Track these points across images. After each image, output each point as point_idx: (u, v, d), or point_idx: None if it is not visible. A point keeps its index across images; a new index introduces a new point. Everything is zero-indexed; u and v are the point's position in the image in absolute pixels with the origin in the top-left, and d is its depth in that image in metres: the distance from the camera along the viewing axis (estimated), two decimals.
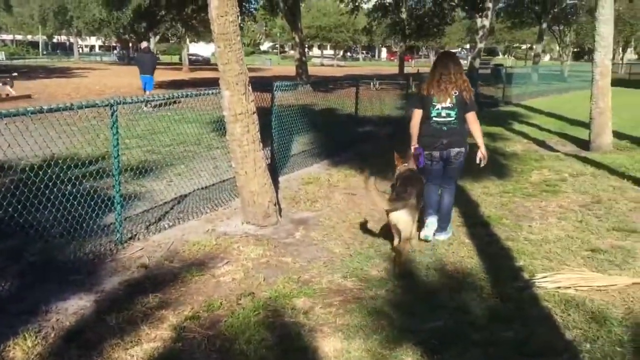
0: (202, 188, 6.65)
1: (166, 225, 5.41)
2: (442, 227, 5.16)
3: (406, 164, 5.19)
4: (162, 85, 26.39)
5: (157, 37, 60.74)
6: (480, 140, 4.97)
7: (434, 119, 4.92)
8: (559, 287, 4.02)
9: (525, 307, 3.78)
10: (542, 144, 10.64)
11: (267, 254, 4.74)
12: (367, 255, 4.75)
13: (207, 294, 3.96)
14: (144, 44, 18.52)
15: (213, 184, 6.84)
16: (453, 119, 4.89)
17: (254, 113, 5.21)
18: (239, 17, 4.94)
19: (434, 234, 5.08)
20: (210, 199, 6.30)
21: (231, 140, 5.21)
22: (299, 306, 3.78)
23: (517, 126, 13.04)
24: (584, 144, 10.12)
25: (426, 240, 5.00)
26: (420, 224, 5.05)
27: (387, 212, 4.58)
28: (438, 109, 4.90)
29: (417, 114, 5.04)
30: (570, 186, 7.17)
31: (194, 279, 4.19)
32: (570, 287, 4.02)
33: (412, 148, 5.09)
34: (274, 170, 7.50)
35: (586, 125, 10.30)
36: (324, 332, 3.45)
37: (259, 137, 5.34)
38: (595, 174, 7.84)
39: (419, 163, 5.07)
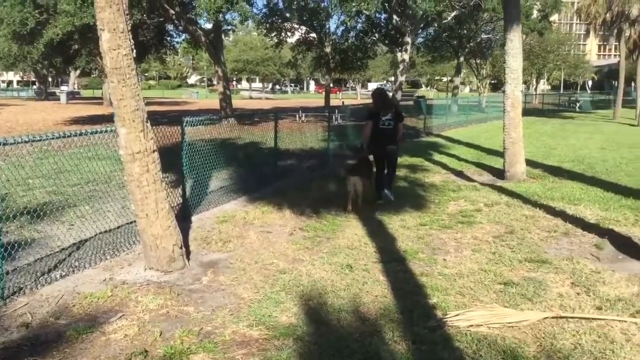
0: (105, 231, 6.19)
1: (58, 276, 4.92)
2: (389, 188, 8.16)
3: (361, 154, 8.19)
4: (79, 120, 25.36)
5: (78, 71, 59.00)
6: (400, 137, 8.33)
7: (381, 126, 7.97)
8: (471, 325, 3.90)
9: (437, 350, 3.61)
10: (460, 174, 10.81)
11: (168, 304, 4.38)
12: (277, 299, 4.47)
13: (93, 354, 3.55)
14: None
15: (118, 227, 6.39)
16: (392, 126, 8.08)
17: (154, 151, 4.88)
18: (134, 51, 4.64)
19: (388, 194, 8.03)
20: (112, 244, 5.85)
21: (129, 181, 4.85)
22: None
23: (436, 157, 13.25)
24: (499, 173, 10.36)
25: (380, 199, 8.00)
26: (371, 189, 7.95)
27: (348, 177, 7.75)
28: (383, 119, 7.99)
29: (370, 124, 8.00)
30: (485, 216, 7.22)
31: (81, 338, 3.76)
32: (482, 325, 3.90)
33: (366, 146, 8.08)
34: (186, 209, 7.15)
35: (502, 155, 10.56)
36: None
37: (161, 176, 4.99)
38: (509, 204, 7.97)
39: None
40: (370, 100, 9.09)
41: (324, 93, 37.11)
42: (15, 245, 5.16)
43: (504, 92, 10.41)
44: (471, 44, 33.90)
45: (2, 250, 4.38)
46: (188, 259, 5.40)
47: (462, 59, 35.28)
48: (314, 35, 30.90)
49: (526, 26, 28.32)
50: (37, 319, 4.07)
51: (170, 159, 6.86)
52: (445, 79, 77.41)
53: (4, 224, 4.51)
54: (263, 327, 3.97)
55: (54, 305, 4.33)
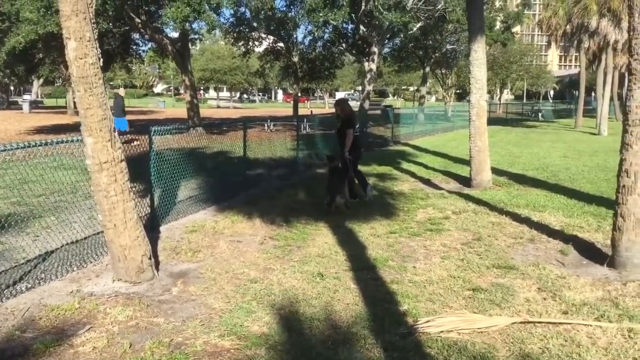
0: (71, 242, 6.06)
1: (24, 288, 4.81)
2: (368, 188, 9.05)
3: (334, 162, 8.66)
4: (42, 130, 24.79)
5: (41, 80, 57.77)
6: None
7: (355, 134, 8.75)
8: (441, 332, 3.95)
9: (409, 356, 3.65)
10: (427, 182, 10.95)
11: (137, 315, 4.31)
12: (249, 309, 4.46)
13: None
14: (121, 90, 19.74)
15: (84, 238, 6.27)
16: (359, 133, 9.14)
17: (122, 161, 4.82)
18: (101, 60, 4.59)
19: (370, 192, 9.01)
20: (79, 255, 5.74)
21: (97, 191, 4.78)
22: None
23: (405, 165, 13.41)
24: (466, 181, 10.53)
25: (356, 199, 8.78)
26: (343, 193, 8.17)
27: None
28: (356, 127, 8.89)
29: (352, 132, 8.61)
30: (453, 224, 7.33)
31: (48, 351, 3.68)
32: (452, 331, 3.96)
33: (347, 154, 8.59)
34: (155, 219, 7.06)
35: (468, 163, 10.74)
36: None
37: (129, 186, 4.93)
38: (476, 211, 8.11)
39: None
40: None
41: (292, 102, 37.20)
42: None
43: (469, 101, 10.61)
44: (436, 55, 34.49)
45: None
46: (157, 269, 5.33)
47: (428, 69, 35.85)
48: (281, 44, 30.94)
49: (490, 37, 28.97)
50: (3, 332, 3.96)
51: (138, 168, 6.78)
52: (411, 89, 78.43)
53: None
54: (235, 337, 3.95)
55: (19, 318, 4.22)
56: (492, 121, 10.51)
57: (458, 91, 59.09)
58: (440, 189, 10.19)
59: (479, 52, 10.11)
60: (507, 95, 72.22)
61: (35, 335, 3.93)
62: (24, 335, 3.94)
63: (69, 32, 4.43)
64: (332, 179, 8.44)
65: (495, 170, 11.15)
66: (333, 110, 10.45)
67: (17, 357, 3.61)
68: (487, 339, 3.90)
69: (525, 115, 42.70)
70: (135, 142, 8.03)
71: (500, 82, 56.53)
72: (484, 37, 10.39)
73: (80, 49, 4.40)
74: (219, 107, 63.72)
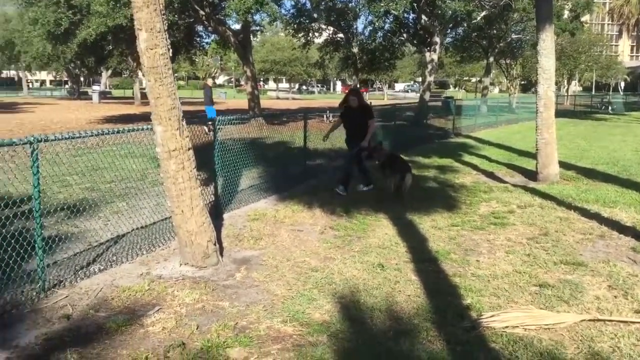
0: (141, 227, 6.30)
1: (96, 270, 5.04)
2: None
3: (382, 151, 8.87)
4: (111, 119, 25.80)
5: (109, 71, 60.07)
6: None
7: None
8: (506, 327, 3.87)
9: (472, 350, 3.59)
10: (491, 175, 10.70)
11: (204, 299, 4.44)
12: (310, 296, 4.50)
13: (132, 346, 3.63)
14: (209, 80, 22.05)
15: (153, 223, 6.50)
16: None
17: (189, 149, 4.95)
18: (170, 50, 4.73)
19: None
20: (148, 239, 5.96)
21: (165, 178, 4.93)
22: (233, 357, 3.50)
23: (466, 158, 13.14)
24: (532, 175, 10.22)
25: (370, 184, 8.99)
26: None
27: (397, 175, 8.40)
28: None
29: None
30: (519, 218, 7.14)
31: (120, 330, 3.85)
32: (518, 327, 3.87)
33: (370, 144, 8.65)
34: (218, 206, 7.23)
35: (534, 156, 10.42)
36: None
37: (196, 173, 5.07)
38: (542, 205, 7.86)
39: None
40: (395, 101, 9.62)
41: None
42: (55, 239, 5.30)
43: (536, 92, 10.27)
44: (501, 44, 33.50)
45: (42, 244, 4.50)
46: (221, 255, 5.47)
47: (491, 59, 34.88)
48: (341, 35, 30.84)
49: (557, 27, 27.82)
50: (78, 311, 4.17)
51: (201, 157, 6.95)
52: (473, 80, 76.58)
53: (43, 219, 4.63)
54: (297, 324, 4.00)
55: (93, 298, 4.43)
56: (559, 113, 10.17)
57: (523, 82, 57.23)
58: (505, 182, 9.93)
59: (547, 42, 9.76)
60: (575, 87, 69.42)
61: (108, 315, 4.12)
62: (97, 314, 4.13)
63: (140, 23, 4.58)
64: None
65: (563, 164, 10.75)
66: (391, 101, 10.31)
67: (92, 335, 3.79)
68: (554, 335, 3.79)
69: (594, 108, 40.96)
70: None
71: (568, 73, 54.31)
72: (552, 25, 10.00)
73: (151, 40, 4.54)
74: (278, 98, 64.39)
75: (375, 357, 3.50)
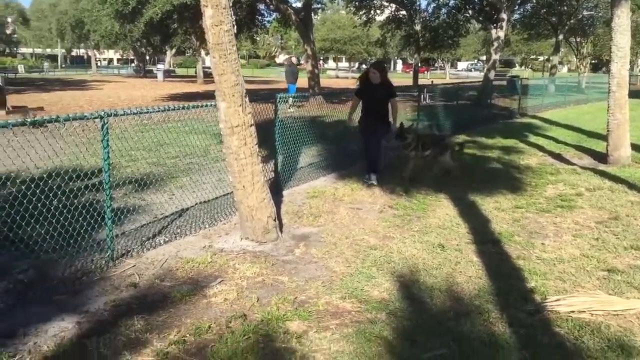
0: (203, 202, 6.46)
1: (162, 241, 5.21)
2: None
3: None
4: (175, 97, 26.44)
5: (174, 50, 61.38)
6: None
7: None
8: (572, 311, 3.74)
9: (536, 334, 3.50)
10: (558, 157, 10.31)
11: (264, 272, 4.52)
12: (369, 274, 4.50)
13: (196, 315, 3.74)
14: (293, 58, 23.22)
15: (215, 198, 6.65)
16: None
17: (251, 125, 5.01)
18: (235, 27, 4.76)
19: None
20: (210, 213, 6.11)
21: (228, 154, 5.02)
22: (292, 330, 3.55)
23: (532, 138, 12.70)
24: (602, 157, 9.78)
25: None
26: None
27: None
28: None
29: None
30: (587, 201, 6.86)
31: (184, 300, 3.97)
32: (584, 312, 3.74)
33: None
34: (278, 183, 7.30)
35: (604, 138, 9.96)
36: (317, 359, 3.21)
37: (257, 150, 5.12)
38: (613, 189, 7.51)
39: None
40: (458, 80, 9.14)
41: (411, 73, 36.48)
42: (123, 211, 5.51)
43: (608, 71, 9.76)
44: (572, 21, 32.02)
45: (112, 215, 4.68)
46: (281, 231, 5.53)
47: (561, 37, 33.37)
48: (403, 12, 30.34)
49: (634, 2, 26.30)
50: (144, 280, 4.33)
51: (262, 135, 7.02)
52: (541, 58, 73.71)
53: (112, 191, 4.81)
54: (355, 300, 4.01)
55: (158, 268, 4.59)
56: (632, 94, 9.69)
57: (594, 61, 54.61)
58: (572, 164, 9.55)
59: (623, 18, 9.22)
60: None
61: (173, 285, 4.26)
62: (162, 284, 4.28)
63: None
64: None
65: (636, 147, 10.21)
66: (453, 80, 9.94)
67: (157, 303, 3.93)
68: (623, 322, 3.64)
69: None
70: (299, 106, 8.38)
71: None
72: (629, 1, 9.45)
73: (217, 16, 4.58)
74: (337, 77, 64.06)
75: (435, 336, 3.47)
